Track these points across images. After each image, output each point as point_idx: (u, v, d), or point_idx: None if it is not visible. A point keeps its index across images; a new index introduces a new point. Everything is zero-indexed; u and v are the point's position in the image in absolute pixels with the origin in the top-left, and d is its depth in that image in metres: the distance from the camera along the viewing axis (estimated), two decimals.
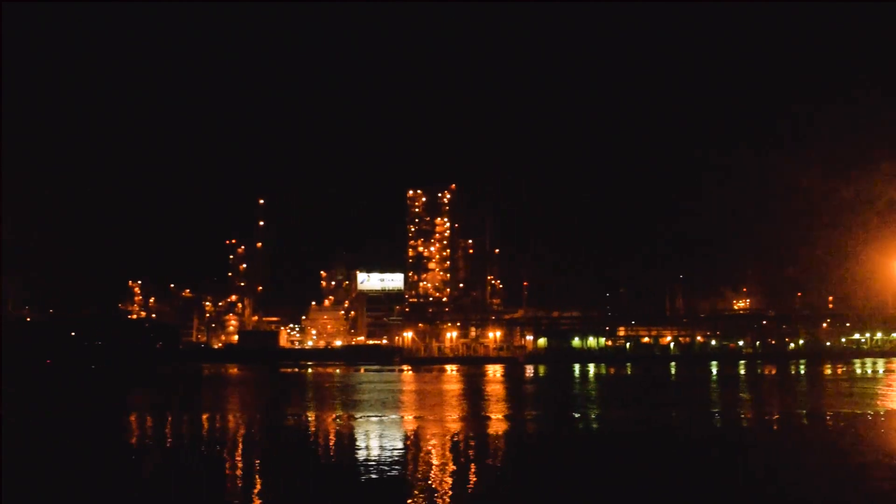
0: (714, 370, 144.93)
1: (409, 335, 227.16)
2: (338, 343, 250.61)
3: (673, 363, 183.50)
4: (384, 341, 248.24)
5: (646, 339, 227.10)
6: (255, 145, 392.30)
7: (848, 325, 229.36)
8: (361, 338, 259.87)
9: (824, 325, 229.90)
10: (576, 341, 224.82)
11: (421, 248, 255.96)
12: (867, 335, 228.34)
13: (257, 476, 38.48)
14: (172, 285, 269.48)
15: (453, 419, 60.45)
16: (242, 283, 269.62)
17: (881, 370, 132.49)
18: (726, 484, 34.15)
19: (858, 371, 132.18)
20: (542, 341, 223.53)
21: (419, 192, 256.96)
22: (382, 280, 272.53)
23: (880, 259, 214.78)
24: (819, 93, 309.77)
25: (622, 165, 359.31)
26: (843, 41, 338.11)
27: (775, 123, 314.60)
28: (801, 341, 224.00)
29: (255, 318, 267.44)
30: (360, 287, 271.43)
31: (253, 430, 56.73)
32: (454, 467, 39.15)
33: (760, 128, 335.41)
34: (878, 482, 33.62)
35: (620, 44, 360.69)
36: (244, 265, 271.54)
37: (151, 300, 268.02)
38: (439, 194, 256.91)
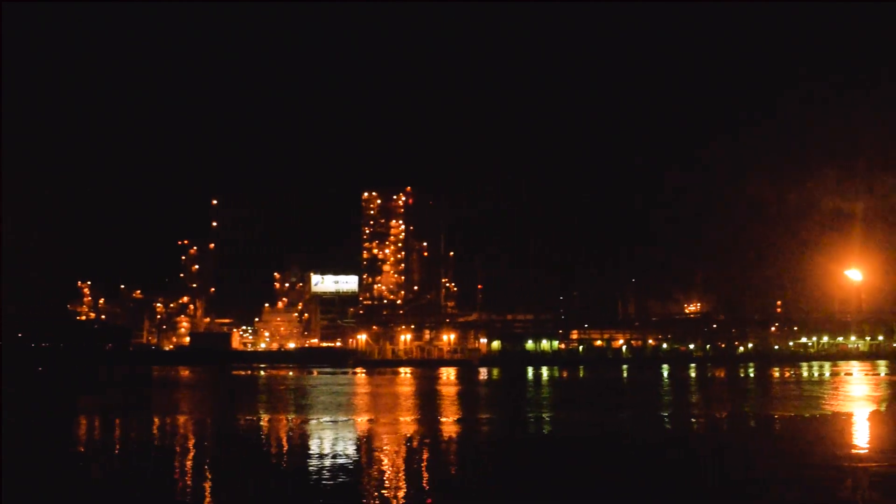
0: (665, 373, 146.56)
1: (363, 338, 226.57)
2: (291, 345, 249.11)
3: (625, 366, 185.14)
4: (338, 344, 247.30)
5: (598, 343, 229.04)
6: (209, 145, 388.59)
7: (796, 329, 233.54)
8: (315, 340, 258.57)
9: (773, 329, 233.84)
10: (529, 344, 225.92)
11: (376, 251, 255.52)
12: (814, 339, 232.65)
13: (207, 481, 38.05)
14: (123, 286, 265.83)
15: (407, 422, 60.37)
16: (194, 285, 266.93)
17: (827, 373, 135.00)
18: (676, 485, 34.51)
19: (805, 374, 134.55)
20: (495, 344, 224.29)
21: (374, 194, 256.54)
22: (337, 282, 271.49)
23: (827, 266, 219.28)
24: (771, 102, 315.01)
25: (576, 170, 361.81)
26: (790, 53, 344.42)
27: (728, 131, 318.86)
28: (750, 345, 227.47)
29: (207, 319, 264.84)
30: (314, 289, 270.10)
31: (203, 434, 56.14)
32: (407, 470, 39.11)
33: (714, 135, 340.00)
34: (824, 482, 34.24)
35: (580, 51, 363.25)
36: (196, 266, 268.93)
37: (101, 301, 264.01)
38: (394, 197, 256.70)
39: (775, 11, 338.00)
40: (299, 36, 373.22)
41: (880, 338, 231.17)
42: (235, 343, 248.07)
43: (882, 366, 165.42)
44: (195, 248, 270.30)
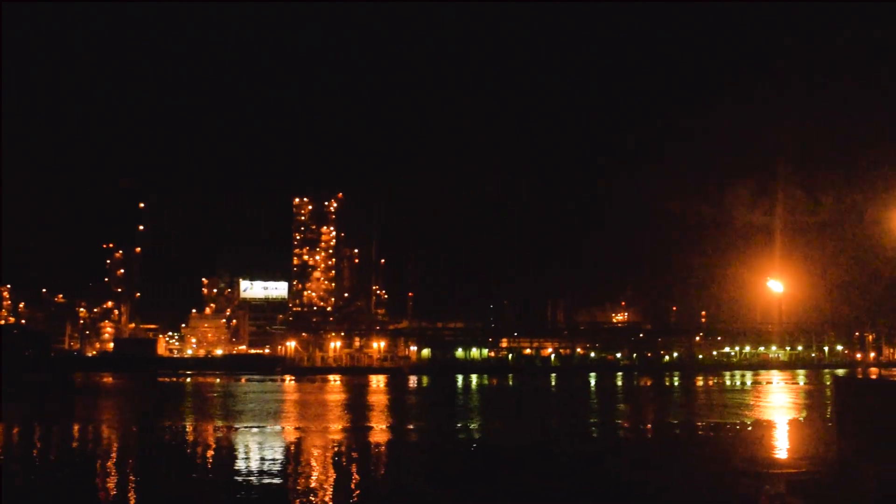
0: (593, 381, 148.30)
1: (292, 344, 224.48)
2: (218, 352, 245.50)
3: (553, 374, 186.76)
4: (267, 351, 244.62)
5: (528, 351, 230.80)
6: (136, 146, 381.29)
7: (719, 339, 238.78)
8: (243, 347, 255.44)
9: (697, 338, 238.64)
10: (459, 352, 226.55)
11: (306, 257, 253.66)
12: (737, 349, 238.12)
13: (130, 490, 37.26)
14: (45, 290, 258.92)
15: (335, 429, 60.00)
16: (119, 289, 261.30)
17: (749, 382, 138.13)
18: (600, 492, 34.93)
19: (728, 383, 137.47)
20: (425, 352, 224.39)
21: (305, 199, 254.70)
22: (266, 288, 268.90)
23: (748, 277, 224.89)
24: (698, 121, 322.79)
25: (507, 180, 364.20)
26: (709, 72, 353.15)
27: (655, 147, 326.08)
28: (675, 354, 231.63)
29: (132, 325, 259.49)
30: (243, 295, 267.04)
31: (127, 442, 54.98)
32: (335, 478, 38.87)
33: (642, 150, 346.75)
34: (744, 489, 35.01)
35: (516, 63, 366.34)
36: (122, 270, 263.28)
37: (21, 305, 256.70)
38: (326, 202, 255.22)
39: (704, 34, 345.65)
40: (233, 38, 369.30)
41: (800, 348, 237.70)
42: (161, 349, 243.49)
43: (801, 375, 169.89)
44: (121, 251, 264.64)
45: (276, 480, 37.83)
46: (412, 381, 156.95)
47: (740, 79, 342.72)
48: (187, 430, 61.62)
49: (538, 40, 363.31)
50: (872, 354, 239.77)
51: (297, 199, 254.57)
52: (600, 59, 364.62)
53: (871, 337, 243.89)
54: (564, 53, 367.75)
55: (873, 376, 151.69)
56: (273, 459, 44.65)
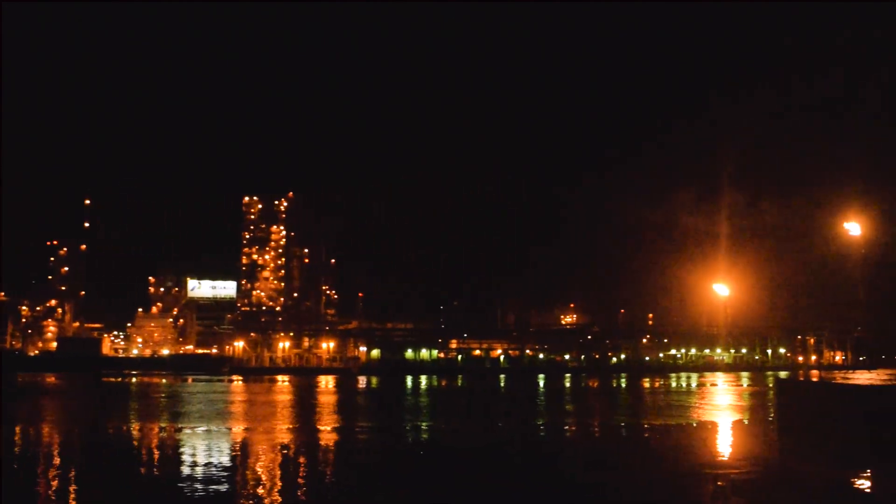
0: (541, 383, 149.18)
1: (240, 344, 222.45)
2: (165, 352, 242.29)
3: (502, 375, 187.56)
4: (214, 351, 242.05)
5: (477, 352, 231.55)
6: (83, 141, 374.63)
7: (666, 341, 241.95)
8: (190, 347, 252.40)
9: (644, 340, 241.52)
10: (409, 353, 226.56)
11: (255, 256, 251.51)
12: (683, 351, 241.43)
13: (72, 493, 36.62)
14: None
15: (283, 430, 59.58)
16: (63, 287, 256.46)
17: (694, 384, 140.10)
18: (548, 491, 35.15)
19: (674, 385, 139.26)
20: (375, 352, 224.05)
21: (255, 198, 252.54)
22: (214, 287, 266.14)
23: (695, 281, 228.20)
24: (640, 127, 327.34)
25: (459, 184, 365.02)
26: (657, 81, 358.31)
27: (604, 153, 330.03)
28: (622, 356, 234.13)
29: (77, 324, 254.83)
30: (191, 294, 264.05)
31: (69, 443, 54.01)
32: (283, 480, 38.60)
33: (591, 156, 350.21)
34: (690, 488, 35.49)
35: (471, 67, 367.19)
36: (66, 268, 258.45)
37: None
38: (276, 202, 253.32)
39: (651, 43, 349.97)
40: (179, 37, 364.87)
41: (744, 350, 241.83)
42: (106, 349, 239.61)
43: (745, 377, 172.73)
44: (65, 249, 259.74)
45: (222, 482, 37.44)
46: (361, 381, 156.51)
47: (688, 87, 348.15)
48: (132, 431, 60.71)
49: (490, 47, 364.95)
50: (814, 357, 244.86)
51: (246, 198, 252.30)
52: (549, 67, 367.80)
53: (812, 340, 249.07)
54: (516, 61, 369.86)
55: (814, 379, 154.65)
56: (219, 461, 44.17)
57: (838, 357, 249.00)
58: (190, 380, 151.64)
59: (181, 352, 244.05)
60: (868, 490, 35.65)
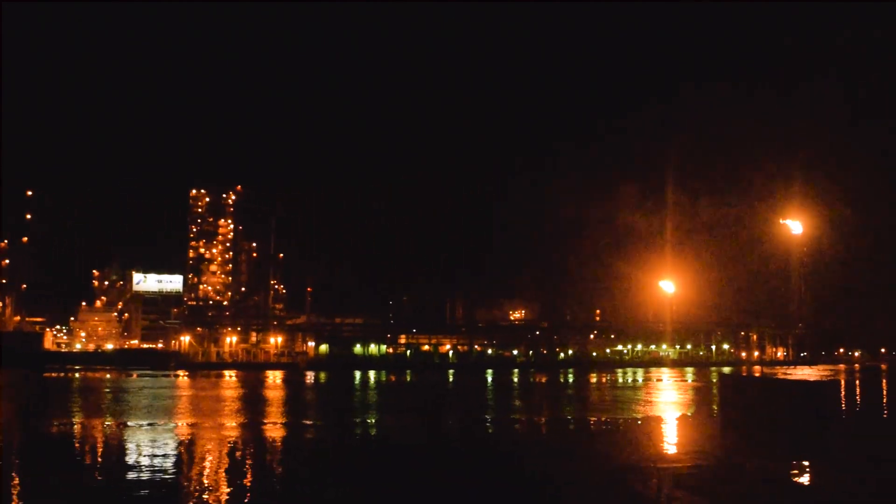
0: (490, 378, 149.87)
1: (186, 339, 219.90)
2: (109, 346, 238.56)
3: (451, 371, 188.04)
4: (160, 345, 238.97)
5: (426, 347, 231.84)
6: (25, 131, 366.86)
7: (613, 336, 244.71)
8: (135, 341, 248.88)
9: (592, 336, 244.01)
10: (357, 348, 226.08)
11: (202, 250, 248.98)
12: (629, 346, 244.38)
13: (12, 491, 35.94)
14: None
15: (230, 426, 59.13)
16: (4, 281, 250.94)
17: (641, 379, 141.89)
18: (493, 487, 35.41)
19: (621, 380, 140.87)
20: (323, 348, 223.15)
21: (203, 191, 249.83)
22: (160, 281, 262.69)
23: (641, 277, 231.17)
24: (587, 123, 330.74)
25: (408, 177, 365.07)
26: (601, 78, 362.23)
27: (552, 150, 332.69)
28: (570, 351, 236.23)
29: (17, 318, 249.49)
30: (136, 288, 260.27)
31: (9, 439, 52.99)
32: (229, 476, 38.35)
33: (540, 152, 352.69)
34: (633, 484, 36.00)
35: (419, 59, 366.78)
36: (6, 261, 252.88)
37: None
38: (224, 195, 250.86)
39: (595, 40, 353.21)
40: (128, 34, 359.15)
41: (689, 346, 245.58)
42: (48, 343, 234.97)
43: (690, 372, 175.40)
44: (5, 241, 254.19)
45: (167, 479, 37.08)
46: (309, 376, 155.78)
47: (632, 84, 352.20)
48: (74, 427, 59.78)
49: (432, 44, 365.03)
50: (756, 353, 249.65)
51: (193, 191, 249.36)
52: (493, 63, 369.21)
53: (755, 336, 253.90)
54: (457, 56, 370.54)
55: (757, 374, 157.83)
56: (164, 457, 43.72)
57: (780, 353, 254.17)
58: (135, 375, 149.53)
59: (126, 346, 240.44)
60: (807, 483, 36.53)
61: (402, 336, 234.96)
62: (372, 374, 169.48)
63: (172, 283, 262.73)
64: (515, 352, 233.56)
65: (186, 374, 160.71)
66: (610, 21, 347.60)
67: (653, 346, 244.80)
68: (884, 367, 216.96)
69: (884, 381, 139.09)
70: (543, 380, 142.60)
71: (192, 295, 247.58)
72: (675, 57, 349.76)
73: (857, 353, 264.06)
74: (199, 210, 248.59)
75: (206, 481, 36.73)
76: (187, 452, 45.88)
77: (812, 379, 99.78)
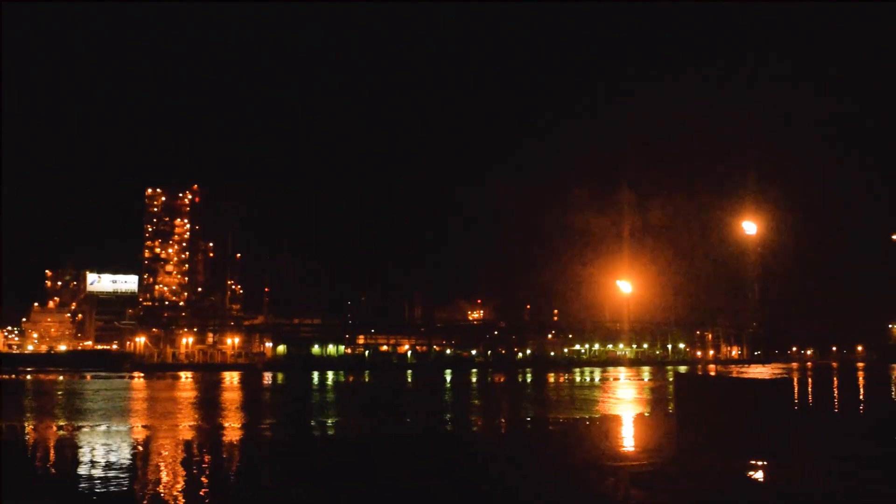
0: (448, 378, 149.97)
1: (141, 340, 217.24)
2: (62, 348, 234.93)
3: (410, 371, 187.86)
4: (115, 346, 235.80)
5: (384, 348, 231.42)
6: None
7: (570, 336, 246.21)
8: (89, 342, 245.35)
9: (550, 336, 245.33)
10: (315, 349, 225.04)
11: (158, 250, 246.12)
12: (587, 346, 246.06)
13: None
14: None
15: (186, 428, 58.53)
16: None
17: (598, 378, 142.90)
18: (452, 486, 35.46)
19: (578, 379, 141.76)
20: (281, 348, 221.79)
21: (158, 191, 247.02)
22: (115, 282, 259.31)
23: (599, 277, 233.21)
24: (545, 125, 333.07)
25: (368, 176, 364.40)
26: (557, 80, 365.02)
27: (511, 152, 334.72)
28: (528, 351, 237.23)
29: None
30: (90, 288, 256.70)
31: None
32: (186, 479, 37.97)
33: (499, 155, 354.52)
34: (592, 482, 36.27)
35: (383, 60, 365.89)
36: None
37: None
38: (180, 194, 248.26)
39: (550, 41, 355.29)
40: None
41: (645, 346, 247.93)
42: (0, 345, 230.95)
43: (646, 372, 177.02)
44: None
45: (122, 481, 36.61)
46: (267, 377, 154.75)
47: (588, 86, 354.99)
48: (26, 429, 58.77)
49: (389, 45, 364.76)
50: (711, 352, 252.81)
51: (149, 191, 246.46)
52: (451, 66, 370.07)
53: (710, 336, 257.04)
54: (416, 59, 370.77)
55: (712, 373, 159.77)
56: (118, 459, 43.18)
57: (735, 352, 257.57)
58: (88, 377, 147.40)
59: (80, 348, 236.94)
60: (760, 480, 37.07)
61: (361, 336, 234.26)
62: (330, 374, 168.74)
63: (127, 283, 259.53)
64: (474, 352, 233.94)
65: (142, 375, 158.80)
66: (570, 23, 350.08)
67: (610, 346, 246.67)
68: (835, 365, 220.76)
69: (835, 378, 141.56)
70: (502, 380, 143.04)
71: (148, 295, 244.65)
72: (633, 58, 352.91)
73: (809, 352, 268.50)
74: (155, 210, 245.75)
75: (161, 485, 36.33)
76: (143, 456, 45.35)
77: (766, 377, 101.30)
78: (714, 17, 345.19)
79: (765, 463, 40.18)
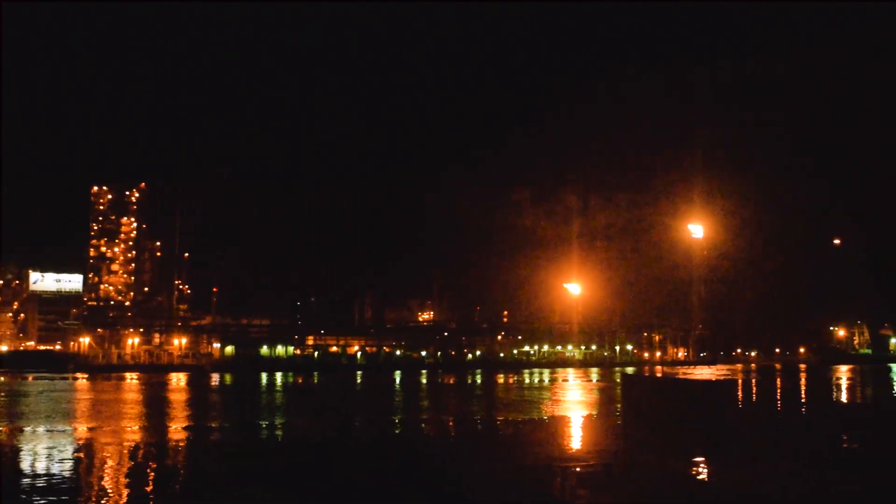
0: (398, 379, 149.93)
1: (86, 340, 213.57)
2: (3, 348, 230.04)
3: (359, 372, 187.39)
4: (58, 347, 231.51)
5: (334, 349, 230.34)
6: None
7: (520, 338, 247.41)
8: (32, 343, 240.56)
9: (499, 337, 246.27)
10: (264, 349, 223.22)
11: (104, 249, 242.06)
12: (536, 347, 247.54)
13: None
14: None
15: (131, 430, 57.81)
16: None
17: (547, 380, 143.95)
18: (401, 487, 35.52)
19: (528, 380, 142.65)
20: (229, 349, 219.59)
21: (105, 188, 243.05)
22: (59, 281, 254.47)
23: (547, 280, 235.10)
24: (493, 128, 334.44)
25: (318, 175, 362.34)
26: (510, 84, 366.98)
27: (459, 153, 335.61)
28: (478, 352, 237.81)
29: None
30: (33, 287, 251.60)
31: None
32: (130, 482, 37.51)
33: (450, 157, 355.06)
34: (541, 482, 36.60)
35: (354, 62, 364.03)
36: None
37: None
38: (127, 192, 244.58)
39: (502, 46, 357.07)
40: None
41: (594, 347, 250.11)
42: None
43: (594, 373, 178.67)
44: None
45: (63, 485, 36.05)
46: (214, 378, 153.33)
47: (541, 89, 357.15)
48: None
49: (350, 45, 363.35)
50: (658, 354, 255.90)
51: (95, 188, 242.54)
52: (406, 69, 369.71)
53: (657, 337, 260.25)
54: (374, 64, 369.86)
55: (658, 374, 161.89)
56: (61, 462, 42.51)
57: (681, 353, 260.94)
58: (31, 377, 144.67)
59: (21, 348, 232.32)
60: (704, 479, 37.71)
61: (310, 337, 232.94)
62: (279, 375, 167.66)
63: (72, 282, 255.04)
64: (424, 353, 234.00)
65: (86, 376, 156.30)
66: (522, 24, 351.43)
67: (559, 347, 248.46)
68: (778, 366, 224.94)
69: (778, 379, 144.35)
70: (451, 381, 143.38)
71: (93, 295, 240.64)
72: (580, 61, 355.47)
73: (753, 353, 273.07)
74: (101, 208, 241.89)
75: (106, 486, 35.85)
76: (87, 457, 44.71)
77: (711, 378, 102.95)
78: (662, 20, 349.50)
79: (709, 461, 40.91)
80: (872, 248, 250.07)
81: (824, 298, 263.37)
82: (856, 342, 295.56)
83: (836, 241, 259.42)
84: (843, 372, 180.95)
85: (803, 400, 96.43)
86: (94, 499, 33.24)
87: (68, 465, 41.58)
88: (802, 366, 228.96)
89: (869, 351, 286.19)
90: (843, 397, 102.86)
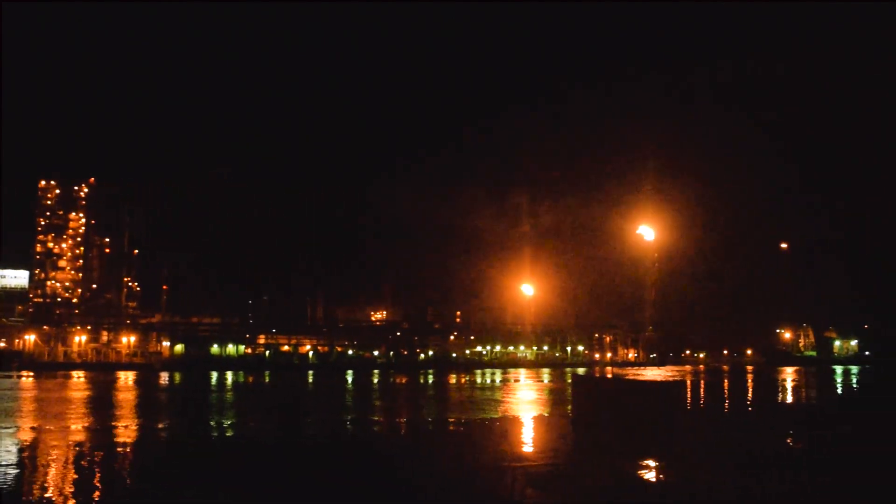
0: (350, 379, 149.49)
1: (31, 338, 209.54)
2: None
3: (311, 371, 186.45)
4: (2, 344, 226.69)
5: (286, 348, 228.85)
6: None
7: (472, 338, 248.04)
8: None
9: (452, 337, 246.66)
10: (214, 348, 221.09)
11: (51, 244, 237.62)
12: (489, 348, 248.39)
13: None
14: None
15: (78, 429, 56.88)
16: None
17: (499, 380, 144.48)
18: (351, 487, 35.46)
19: (480, 381, 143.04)
20: (178, 348, 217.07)
21: (52, 183, 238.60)
22: (3, 277, 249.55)
23: (502, 280, 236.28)
24: (452, 130, 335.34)
25: (273, 172, 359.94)
26: (465, 88, 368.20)
27: (414, 155, 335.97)
28: (430, 352, 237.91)
29: None
30: None
31: None
32: (77, 482, 36.92)
33: (402, 158, 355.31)
34: (490, 483, 36.74)
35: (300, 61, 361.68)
36: None
37: None
38: (75, 187, 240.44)
39: (458, 50, 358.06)
40: None
41: (546, 348, 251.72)
42: None
43: (546, 373, 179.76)
44: None
45: (5, 488, 35.36)
46: (163, 377, 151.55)
47: (493, 93, 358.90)
48: None
49: (300, 47, 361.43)
50: (609, 355, 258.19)
51: (42, 182, 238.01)
52: (362, 71, 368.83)
53: (608, 338, 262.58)
54: (328, 65, 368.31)
55: (609, 375, 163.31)
56: (4, 463, 41.67)
57: (631, 354, 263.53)
58: None
59: None
60: (653, 479, 38.15)
61: (262, 336, 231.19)
62: (229, 374, 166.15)
63: (17, 278, 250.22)
64: (376, 353, 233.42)
65: (31, 375, 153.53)
66: (473, 25, 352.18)
67: (511, 348, 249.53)
68: (725, 368, 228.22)
69: (725, 380, 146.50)
70: (403, 381, 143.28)
71: (39, 291, 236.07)
72: (534, 62, 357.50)
73: (702, 355, 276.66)
74: (49, 202, 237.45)
75: (50, 488, 35.24)
76: (30, 458, 43.91)
77: (660, 379, 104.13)
78: (625, 16, 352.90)
79: (657, 462, 41.38)
80: (817, 252, 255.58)
81: (770, 301, 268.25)
82: (801, 344, 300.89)
83: (783, 245, 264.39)
84: (789, 374, 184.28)
85: (749, 401, 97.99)
86: (38, 502, 32.64)
87: (11, 466, 40.78)
88: (749, 367, 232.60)
89: (814, 353, 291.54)
90: (789, 398, 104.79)
